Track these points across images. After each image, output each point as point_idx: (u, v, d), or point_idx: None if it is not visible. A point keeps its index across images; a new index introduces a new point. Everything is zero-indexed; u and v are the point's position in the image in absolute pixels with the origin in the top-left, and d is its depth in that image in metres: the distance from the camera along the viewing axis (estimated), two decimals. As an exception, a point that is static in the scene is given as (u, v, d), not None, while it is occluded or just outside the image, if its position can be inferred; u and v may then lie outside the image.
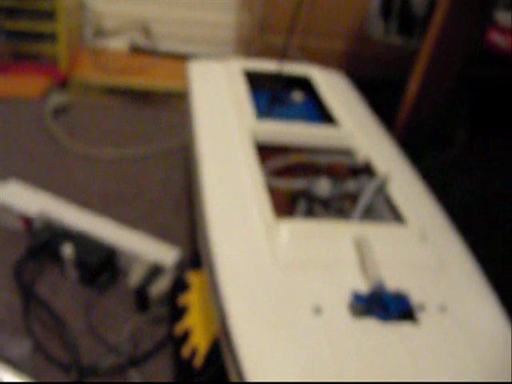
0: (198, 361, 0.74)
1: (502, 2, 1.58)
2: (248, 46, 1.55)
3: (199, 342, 0.75)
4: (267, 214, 0.64)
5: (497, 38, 1.56)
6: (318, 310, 0.54)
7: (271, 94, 0.92)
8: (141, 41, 1.96)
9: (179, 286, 0.88)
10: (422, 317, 0.56)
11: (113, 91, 1.65)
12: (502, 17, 1.60)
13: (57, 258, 0.99)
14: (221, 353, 0.62)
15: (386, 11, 1.39)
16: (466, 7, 1.01)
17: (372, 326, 0.54)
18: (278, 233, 0.61)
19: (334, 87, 1.00)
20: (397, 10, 1.39)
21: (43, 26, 1.63)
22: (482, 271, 0.65)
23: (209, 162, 0.74)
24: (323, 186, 0.74)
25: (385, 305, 0.54)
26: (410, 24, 1.41)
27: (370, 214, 0.72)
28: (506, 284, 0.68)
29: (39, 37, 1.67)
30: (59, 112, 1.50)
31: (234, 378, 0.54)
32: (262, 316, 0.53)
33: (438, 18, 1.03)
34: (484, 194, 1.38)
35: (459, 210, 1.27)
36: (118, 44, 1.94)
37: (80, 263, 0.96)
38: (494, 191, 1.39)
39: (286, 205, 0.78)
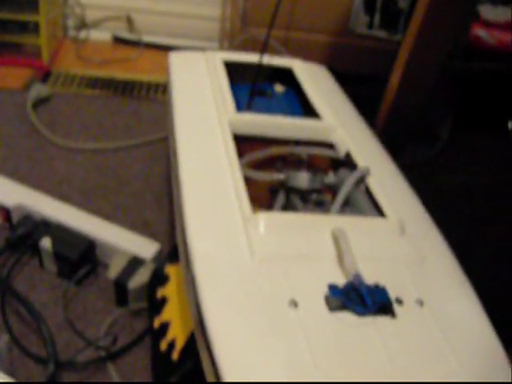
0: (176, 354, 0.73)
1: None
2: (231, 40, 1.54)
3: (177, 335, 0.75)
4: (244, 207, 0.63)
5: (481, 33, 1.57)
6: (294, 304, 0.54)
7: (252, 85, 0.92)
8: (124, 33, 1.94)
9: (158, 279, 0.87)
10: (400, 311, 0.55)
11: (95, 83, 1.64)
12: (486, 11, 1.61)
13: (35, 250, 0.98)
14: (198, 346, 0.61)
15: (369, 5, 1.38)
16: (448, 1, 1.01)
17: (349, 320, 0.53)
18: (255, 225, 0.61)
19: (315, 80, 1.00)
20: (380, 3, 1.39)
21: (25, 16, 1.61)
22: (462, 266, 0.65)
23: (186, 154, 0.73)
24: (302, 179, 0.74)
25: (362, 298, 0.54)
26: (393, 18, 1.41)
27: (349, 207, 0.72)
28: (486, 279, 0.68)
29: (21, 27, 1.65)
30: (41, 103, 1.48)
31: (209, 371, 0.54)
32: (238, 309, 0.52)
33: (420, 11, 1.02)
34: (467, 189, 1.38)
35: (442, 204, 1.28)
36: (101, 36, 1.92)
37: (59, 256, 0.95)
38: (478, 186, 1.39)
39: (264, 198, 0.78)
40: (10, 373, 0.81)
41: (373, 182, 0.73)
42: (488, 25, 1.60)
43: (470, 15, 1.43)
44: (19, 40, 1.67)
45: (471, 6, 1.34)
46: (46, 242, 0.95)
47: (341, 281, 0.57)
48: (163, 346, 0.75)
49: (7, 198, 1.04)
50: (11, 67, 1.66)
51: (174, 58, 1.02)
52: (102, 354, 0.86)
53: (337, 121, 0.86)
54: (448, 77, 1.39)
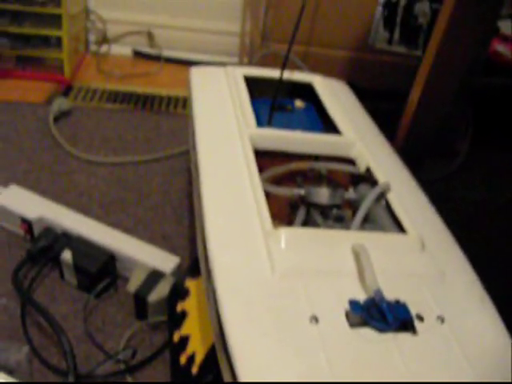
0: (195, 368, 0.73)
1: (506, 11, 1.58)
2: (251, 55, 1.55)
3: (197, 349, 0.75)
4: (265, 222, 0.63)
5: (500, 48, 1.56)
6: (315, 319, 0.54)
7: (272, 100, 0.92)
8: (145, 48, 1.96)
9: (178, 293, 0.87)
10: (421, 327, 0.55)
11: (116, 97, 1.66)
12: (506, 26, 1.60)
13: (56, 263, 0.99)
14: (218, 360, 0.61)
15: (389, 20, 1.39)
16: (468, 17, 1.01)
17: (369, 336, 0.53)
18: (275, 240, 0.61)
19: (335, 95, 1.00)
20: (400, 19, 1.39)
21: (48, 31, 1.63)
22: (482, 283, 0.65)
23: (208, 168, 0.74)
24: (322, 194, 0.74)
25: (383, 314, 0.54)
26: (413, 33, 1.41)
27: (369, 223, 0.72)
28: (506, 297, 0.68)
29: (44, 42, 1.67)
30: (62, 117, 1.50)
31: (229, 385, 0.54)
32: (258, 324, 0.53)
33: (440, 27, 1.02)
34: (486, 206, 1.37)
35: (461, 221, 1.27)
36: (121, 50, 1.95)
37: (79, 269, 0.96)
38: (496, 203, 1.39)
39: (284, 213, 0.78)
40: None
41: (393, 198, 0.73)
42: (507, 40, 1.60)
43: (491, 31, 1.43)
44: (42, 54, 1.69)
45: (492, 22, 1.33)
46: (66, 255, 0.96)
47: (361, 297, 0.57)
48: (183, 359, 0.76)
49: (29, 210, 1.05)
50: (33, 81, 1.68)
51: (195, 73, 1.03)
52: (122, 367, 0.87)
53: (357, 136, 0.86)
54: (467, 92, 1.38)
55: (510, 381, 0.54)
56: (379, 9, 1.37)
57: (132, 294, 0.92)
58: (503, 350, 0.57)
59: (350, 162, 0.84)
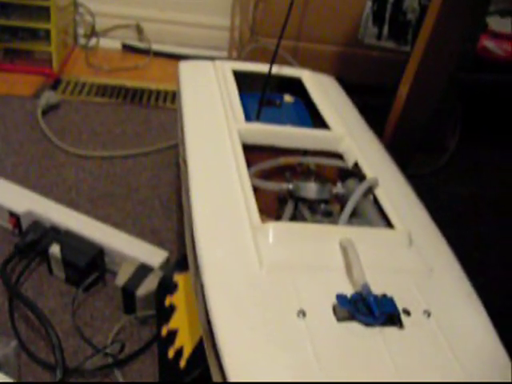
0: (183, 362, 0.73)
1: (494, 8, 1.59)
2: (240, 49, 1.54)
3: (184, 343, 0.75)
4: (253, 216, 0.64)
5: (489, 44, 1.57)
6: (302, 313, 0.54)
7: (261, 95, 0.92)
8: (134, 41, 1.95)
9: (166, 287, 0.87)
10: (407, 321, 0.55)
11: (105, 90, 1.65)
12: (495, 22, 1.61)
13: (44, 257, 0.99)
14: (206, 354, 0.61)
15: (378, 16, 1.39)
16: (457, 13, 1.01)
17: (356, 330, 0.53)
18: (263, 235, 0.61)
19: (324, 90, 1.00)
20: (389, 14, 1.39)
21: (36, 24, 1.62)
22: (471, 278, 0.65)
23: (196, 163, 0.74)
24: (311, 189, 0.74)
25: (370, 308, 0.54)
26: (402, 29, 1.42)
27: (357, 218, 0.72)
28: (493, 290, 0.68)
29: (32, 35, 1.66)
30: (50, 110, 1.49)
31: (216, 379, 0.54)
32: (246, 318, 0.53)
33: (429, 22, 1.03)
34: (474, 201, 1.38)
35: (449, 216, 1.28)
36: (110, 44, 1.94)
37: (67, 263, 0.96)
38: (485, 198, 1.39)
39: (272, 207, 0.78)
40: (17, 378, 0.82)
41: (381, 193, 0.73)
42: (496, 36, 1.60)
43: (479, 27, 1.44)
44: (30, 47, 1.68)
45: (480, 18, 1.34)
46: (54, 249, 0.96)
47: (349, 291, 0.57)
48: (171, 353, 0.76)
49: (17, 204, 1.05)
50: (21, 74, 1.68)
51: (184, 67, 1.03)
52: (110, 361, 0.87)
53: (345, 131, 0.86)
54: (455, 88, 1.39)
55: (495, 375, 0.54)
56: (368, 4, 1.38)
57: (120, 288, 0.92)
58: (489, 344, 0.57)
59: (339, 156, 0.84)
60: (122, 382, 0.84)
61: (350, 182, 0.78)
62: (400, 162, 0.86)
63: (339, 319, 0.54)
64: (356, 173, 0.79)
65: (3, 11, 1.61)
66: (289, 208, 0.75)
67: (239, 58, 1.53)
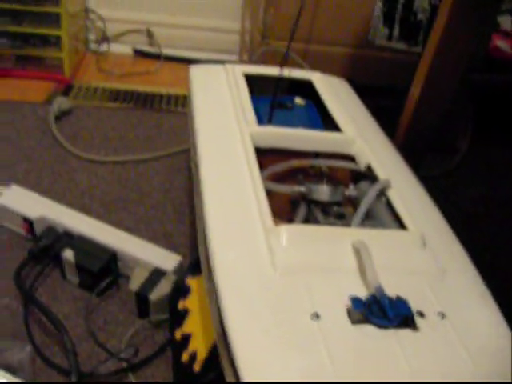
0: (197, 366, 0.73)
1: (506, 7, 1.58)
2: (251, 53, 1.55)
3: (198, 346, 0.75)
4: (266, 219, 0.64)
5: (500, 43, 1.56)
6: (316, 316, 0.54)
7: (272, 98, 0.92)
8: (144, 46, 1.96)
9: (180, 291, 0.87)
10: (421, 323, 0.55)
11: (116, 95, 1.66)
12: (506, 22, 1.60)
13: (58, 262, 0.99)
14: (219, 357, 0.61)
15: (388, 17, 1.39)
16: (468, 13, 1.01)
17: (371, 332, 0.53)
18: (276, 237, 0.61)
19: (335, 92, 1.00)
20: (400, 15, 1.39)
21: (47, 30, 1.63)
22: (483, 279, 0.65)
23: (208, 166, 0.74)
24: (323, 191, 0.74)
25: (384, 311, 0.54)
26: (412, 30, 1.41)
27: (370, 220, 0.72)
28: (507, 292, 0.68)
29: (43, 41, 1.67)
30: (62, 116, 1.50)
31: (230, 381, 0.54)
32: (260, 321, 0.53)
33: (440, 23, 1.02)
34: (486, 202, 1.37)
35: (462, 217, 1.27)
36: (121, 49, 1.95)
37: (81, 268, 0.96)
38: (497, 199, 1.39)
39: (285, 210, 0.78)
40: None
41: (394, 195, 0.73)
42: (508, 35, 1.60)
43: (491, 26, 1.43)
44: (41, 53, 1.69)
45: (492, 17, 1.33)
46: (68, 254, 0.96)
47: (362, 293, 0.57)
48: (185, 357, 0.76)
49: (30, 210, 1.05)
50: (33, 80, 1.69)
51: (195, 71, 1.03)
52: (124, 365, 0.87)
53: (357, 133, 0.86)
54: (467, 88, 1.38)
55: (510, 376, 0.54)
56: (379, 5, 1.37)
57: (134, 293, 0.92)
58: (504, 345, 0.57)
59: (351, 159, 0.84)
60: (135, 383, 0.85)
61: (363, 184, 0.78)
62: (412, 163, 0.85)
63: (353, 322, 0.54)
64: (368, 175, 0.79)
65: (15, 18, 1.62)
66: (302, 210, 0.75)
67: (250, 61, 1.54)
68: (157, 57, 1.92)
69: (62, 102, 1.51)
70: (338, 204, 0.75)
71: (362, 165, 0.82)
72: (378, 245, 0.62)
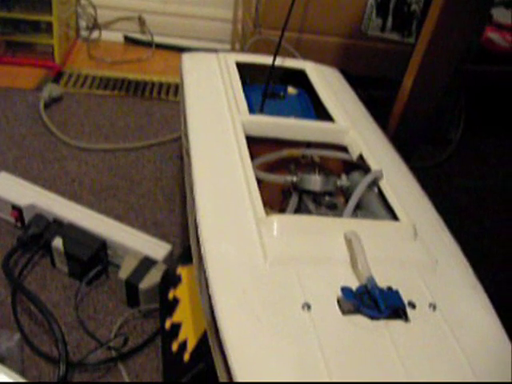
0: (187, 355, 0.73)
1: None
2: (243, 41, 1.54)
3: (188, 336, 0.75)
4: (258, 209, 0.63)
5: (493, 35, 1.56)
6: (307, 306, 0.54)
7: (264, 87, 0.92)
8: (136, 34, 1.95)
9: (170, 280, 0.87)
10: (413, 314, 0.55)
11: (107, 83, 1.65)
12: (500, 14, 1.60)
13: (47, 250, 0.99)
14: (209, 347, 0.61)
15: (382, 7, 1.38)
16: (462, 4, 1.01)
17: (362, 323, 0.53)
18: (268, 227, 0.61)
19: (328, 82, 0.99)
20: (393, 6, 1.38)
21: (38, 16, 1.62)
22: (474, 270, 0.65)
23: (199, 155, 0.73)
24: (315, 181, 0.74)
25: (375, 301, 0.54)
26: (406, 20, 1.41)
27: (362, 211, 0.72)
28: (498, 283, 0.68)
29: (34, 27, 1.66)
30: (53, 103, 1.49)
31: (221, 372, 0.54)
32: (251, 311, 0.52)
33: (433, 14, 1.02)
34: (478, 192, 1.37)
35: (454, 208, 1.27)
36: (112, 36, 1.93)
37: (70, 256, 0.96)
38: (489, 189, 1.39)
39: (277, 200, 0.78)
40: (20, 372, 0.82)
41: (386, 185, 0.73)
42: (501, 28, 1.59)
43: (484, 18, 1.43)
44: (32, 40, 1.68)
45: (485, 9, 1.33)
46: (57, 242, 0.96)
47: (354, 284, 0.57)
48: (174, 347, 0.76)
49: (19, 197, 1.04)
50: (23, 67, 1.67)
51: (187, 59, 1.02)
52: (113, 354, 0.87)
53: (349, 123, 0.86)
54: (460, 80, 1.38)
55: (500, 367, 0.54)
56: (372, -5, 1.37)
57: (123, 282, 0.91)
58: (495, 336, 0.57)
59: (343, 149, 0.84)
60: (126, 383, 0.84)
61: (355, 175, 0.78)
62: (404, 154, 0.85)
63: (344, 312, 0.54)
64: (360, 165, 0.79)
65: (5, 4, 1.60)
66: (293, 200, 0.75)
67: (242, 50, 1.53)
68: (148, 44, 1.91)
69: (52, 89, 1.49)
70: (330, 194, 0.75)
71: (354, 155, 0.81)
72: (369, 235, 0.62)
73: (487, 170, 1.46)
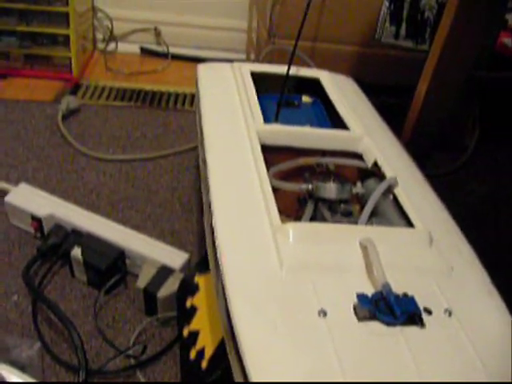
0: (205, 363, 0.74)
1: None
2: (258, 51, 1.55)
3: (206, 343, 0.75)
4: (273, 217, 0.64)
5: (508, 41, 1.56)
6: (323, 313, 0.54)
7: (279, 96, 0.92)
8: (152, 45, 1.96)
9: (187, 288, 0.88)
10: (428, 321, 0.55)
11: (124, 94, 1.66)
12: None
13: (66, 260, 1.00)
14: (227, 354, 0.62)
15: (395, 15, 1.39)
16: (475, 10, 1.01)
17: (377, 329, 0.53)
18: (284, 235, 0.61)
19: (342, 91, 1.00)
20: (406, 13, 1.39)
21: (55, 30, 1.64)
22: (490, 276, 0.65)
23: (216, 164, 0.74)
24: (330, 189, 0.74)
25: (391, 308, 0.54)
26: (419, 28, 1.41)
27: (377, 218, 0.72)
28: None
29: (51, 40, 1.68)
30: (70, 115, 1.51)
31: (238, 378, 0.54)
32: (267, 319, 0.53)
33: (446, 21, 1.02)
34: (493, 199, 1.37)
35: (469, 214, 1.27)
36: (129, 48, 1.95)
37: (89, 265, 0.97)
38: (504, 196, 1.38)
39: (292, 208, 0.78)
40: (41, 380, 0.82)
41: (401, 192, 0.73)
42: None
43: (499, 24, 1.42)
44: (49, 53, 1.69)
45: (500, 15, 1.33)
46: (76, 252, 0.97)
47: (369, 290, 0.57)
48: (192, 354, 0.76)
49: (39, 208, 1.06)
50: (42, 79, 1.69)
51: (202, 70, 1.03)
52: (132, 362, 0.87)
53: (364, 131, 0.86)
54: (474, 86, 1.38)
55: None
56: (385, 3, 1.37)
57: (141, 290, 0.92)
58: (510, 343, 0.57)
59: (358, 156, 0.84)
60: (144, 383, 0.85)
61: (370, 182, 0.78)
62: (419, 160, 0.85)
63: (360, 319, 0.54)
64: (375, 172, 0.79)
65: (23, 18, 1.62)
66: (309, 208, 0.75)
67: (257, 59, 1.54)
68: (164, 56, 1.92)
69: (70, 101, 1.51)
70: (345, 202, 0.75)
71: (369, 162, 0.82)
72: (385, 242, 0.62)
73: (503, 177, 1.46)
